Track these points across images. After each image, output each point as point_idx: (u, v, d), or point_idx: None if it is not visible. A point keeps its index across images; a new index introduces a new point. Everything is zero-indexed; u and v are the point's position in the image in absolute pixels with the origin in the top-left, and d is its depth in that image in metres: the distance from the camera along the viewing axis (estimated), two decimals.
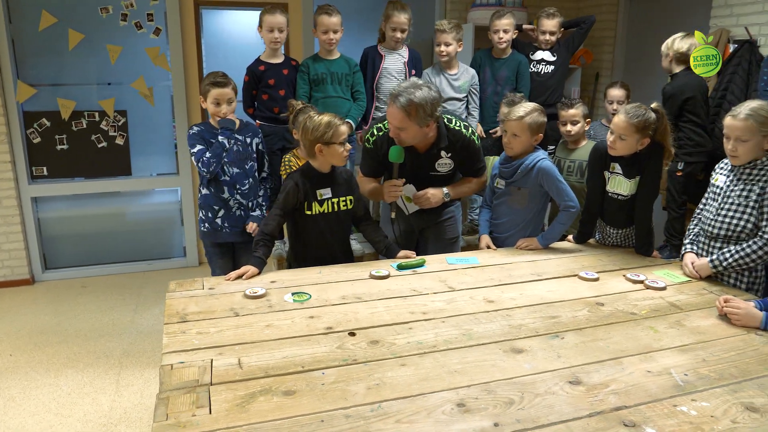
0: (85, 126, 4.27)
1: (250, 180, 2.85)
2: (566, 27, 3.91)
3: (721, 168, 2.36)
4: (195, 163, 2.72)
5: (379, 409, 1.38)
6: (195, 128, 2.77)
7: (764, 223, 2.14)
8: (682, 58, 3.35)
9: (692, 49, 3.33)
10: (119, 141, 4.36)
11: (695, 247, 2.39)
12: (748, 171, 2.21)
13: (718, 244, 2.29)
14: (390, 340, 1.74)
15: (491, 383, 1.51)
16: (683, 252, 2.41)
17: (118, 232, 4.63)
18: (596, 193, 2.65)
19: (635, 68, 4.88)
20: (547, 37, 3.77)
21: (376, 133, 2.62)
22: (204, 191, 2.81)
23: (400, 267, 2.36)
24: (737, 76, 3.57)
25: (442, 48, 3.50)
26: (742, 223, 2.20)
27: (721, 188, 2.30)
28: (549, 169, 2.59)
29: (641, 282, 2.24)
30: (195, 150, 2.72)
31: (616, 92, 3.66)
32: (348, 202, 2.49)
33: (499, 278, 2.28)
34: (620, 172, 2.55)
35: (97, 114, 4.27)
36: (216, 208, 2.80)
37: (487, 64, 3.72)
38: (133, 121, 4.38)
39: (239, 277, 2.22)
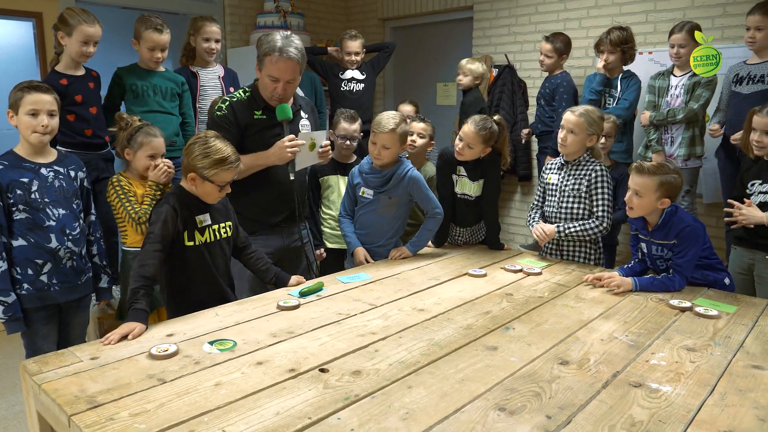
0: None
1: (81, 222, 2.27)
2: (369, 50, 4.11)
3: (550, 169, 2.77)
4: None
5: None
6: None
7: (595, 209, 2.60)
8: (476, 77, 3.83)
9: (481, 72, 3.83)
10: None
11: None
12: (574, 168, 2.64)
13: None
14: (370, 366, 1.57)
15: (504, 382, 1.49)
16: (531, 225, 2.76)
17: None
18: (447, 197, 2.83)
19: (402, 90, 5.37)
20: (352, 57, 3.91)
21: (228, 99, 2.40)
22: (17, 242, 2.12)
23: (303, 293, 2.15)
24: (504, 95, 4.23)
25: None
26: (580, 210, 2.63)
27: (556, 185, 2.70)
28: (419, 178, 2.67)
29: (521, 270, 2.48)
30: None
31: (407, 108, 3.95)
32: (228, 228, 2.16)
33: (406, 288, 2.26)
34: (465, 174, 2.79)
35: None
36: (39, 262, 2.14)
37: None
38: None
39: (123, 337, 1.73)
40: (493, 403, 1.38)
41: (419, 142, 3.17)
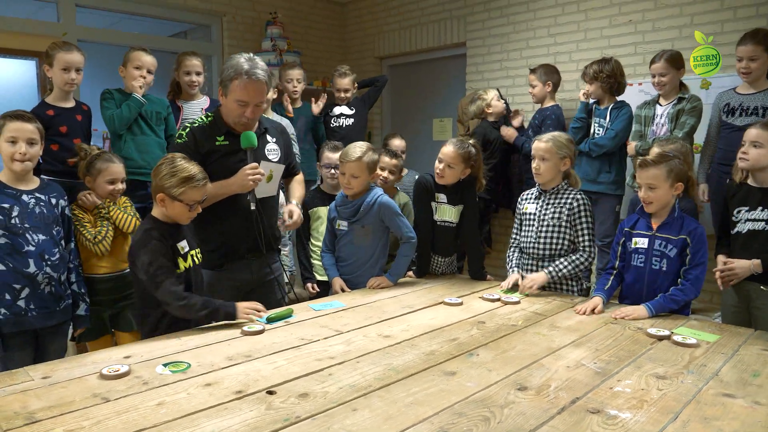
0: None
1: (61, 248, 2.29)
2: (361, 86, 4.19)
3: (526, 199, 2.73)
4: None
5: None
6: None
7: (580, 239, 2.53)
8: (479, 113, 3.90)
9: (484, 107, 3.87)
10: None
11: (519, 269, 2.66)
12: (552, 197, 2.59)
13: (544, 263, 2.59)
14: (319, 389, 1.52)
15: (454, 406, 1.43)
16: (512, 269, 2.67)
17: None
18: (426, 225, 2.80)
19: (399, 126, 5.40)
20: (342, 94, 4.00)
21: (189, 125, 2.34)
22: None
23: (270, 320, 2.12)
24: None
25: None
26: (560, 242, 2.56)
27: (534, 215, 2.64)
28: (389, 204, 2.66)
29: (498, 300, 2.42)
30: None
31: (397, 142, 3.96)
32: (199, 255, 2.17)
33: (377, 315, 2.21)
34: (445, 200, 2.77)
35: None
36: (17, 287, 2.15)
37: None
38: None
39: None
40: (438, 426, 1.32)
41: (390, 178, 3.09)
